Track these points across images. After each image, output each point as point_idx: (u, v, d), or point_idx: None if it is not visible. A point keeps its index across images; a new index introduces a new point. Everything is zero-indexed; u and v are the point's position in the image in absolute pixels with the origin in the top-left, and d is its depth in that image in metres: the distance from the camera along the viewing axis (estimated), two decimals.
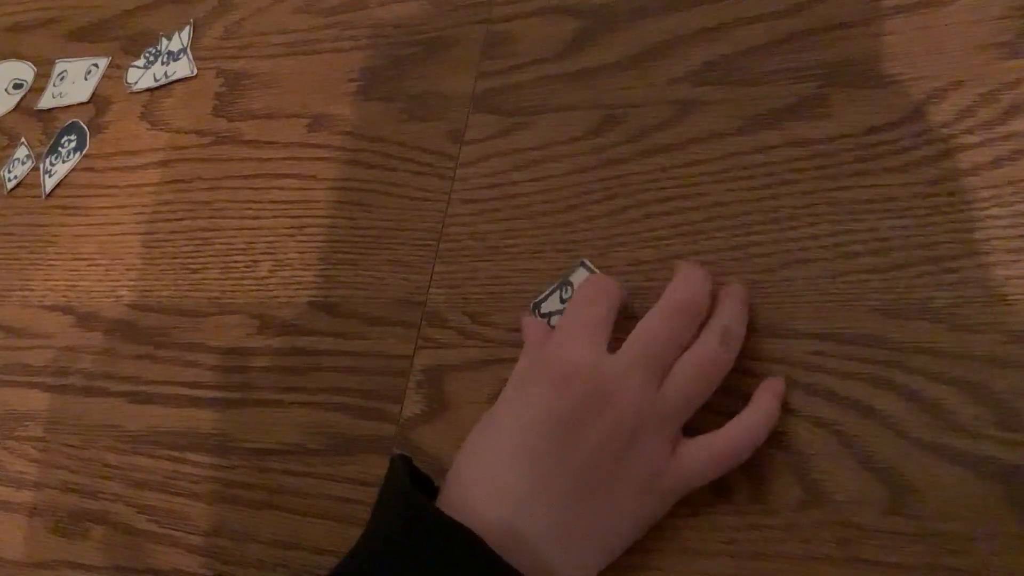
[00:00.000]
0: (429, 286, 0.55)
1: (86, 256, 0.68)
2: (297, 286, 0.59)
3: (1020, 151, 0.45)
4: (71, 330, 0.66)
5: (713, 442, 0.41)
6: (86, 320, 0.65)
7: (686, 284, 0.44)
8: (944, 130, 0.47)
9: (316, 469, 0.53)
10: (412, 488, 0.41)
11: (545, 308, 0.50)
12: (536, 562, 0.39)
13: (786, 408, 0.44)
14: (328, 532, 0.51)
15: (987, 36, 0.48)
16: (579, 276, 0.50)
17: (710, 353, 0.42)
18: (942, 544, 0.40)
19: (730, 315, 0.44)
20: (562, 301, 0.50)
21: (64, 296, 0.67)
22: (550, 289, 0.51)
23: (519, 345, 0.50)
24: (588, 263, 0.50)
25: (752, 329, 0.46)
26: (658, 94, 0.54)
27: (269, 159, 0.65)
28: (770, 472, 0.43)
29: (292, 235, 0.61)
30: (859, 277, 0.46)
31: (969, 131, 0.46)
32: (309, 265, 0.59)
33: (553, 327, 0.48)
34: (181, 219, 0.66)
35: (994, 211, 0.44)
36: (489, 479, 0.41)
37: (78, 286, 0.67)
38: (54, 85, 0.78)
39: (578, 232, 0.53)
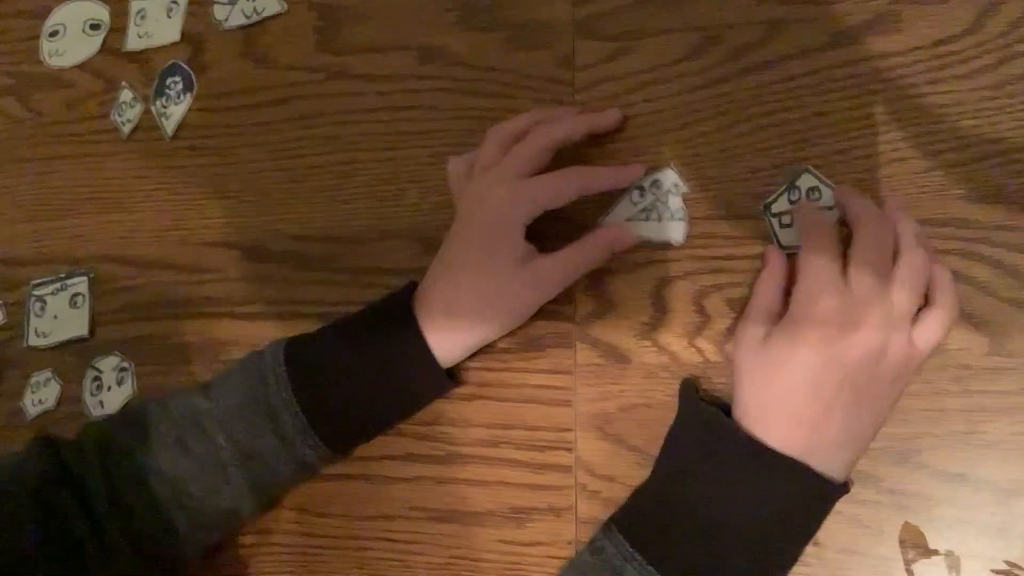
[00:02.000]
0: None
1: (232, 194, 0.77)
2: (450, 209, 0.69)
3: None
4: (242, 263, 0.75)
5: (932, 316, 0.54)
6: (253, 252, 0.75)
7: (869, 205, 0.56)
8: (1000, 40, 0.58)
9: (512, 364, 0.66)
10: (723, 417, 0.54)
11: (775, 208, 0.61)
12: (831, 467, 0.53)
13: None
14: (535, 412, 0.65)
15: None
16: (805, 181, 0.60)
17: (917, 258, 0.54)
18: None
19: (910, 223, 0.56)
20: (790, 202, 0.60)
21: (223, 232, 0.77)
22: (779, 191, 0.61)
23: (665, 248, 0.63)
24: (813, 169, 0.60)
25: None
26: (748, 14, 0.64)
27: (387, 92, 0.73)
28: None
29: (431, 163, 0.71)
30: (944, 171, 0.58)
31: (1021, 40, 0.58)
32: None
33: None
34: (318, 154, 0.75)
35: None
36: (780, 409, 0.52)
37: (234, 222, 0.76)
38: (135, 24, 0.82)
39: (697, 147, 0.64)
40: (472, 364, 0.66)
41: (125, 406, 0.74)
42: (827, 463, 0.52)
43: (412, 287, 0.63)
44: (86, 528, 0.58)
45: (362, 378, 0.61)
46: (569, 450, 0.63)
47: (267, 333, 0.71)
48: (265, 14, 0.78)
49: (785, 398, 0.52)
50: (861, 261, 0.53)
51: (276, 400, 0.60)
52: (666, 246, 0.63)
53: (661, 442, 0.58)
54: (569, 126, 0.62)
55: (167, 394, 0.64)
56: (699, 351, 0.61)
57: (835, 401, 0.51)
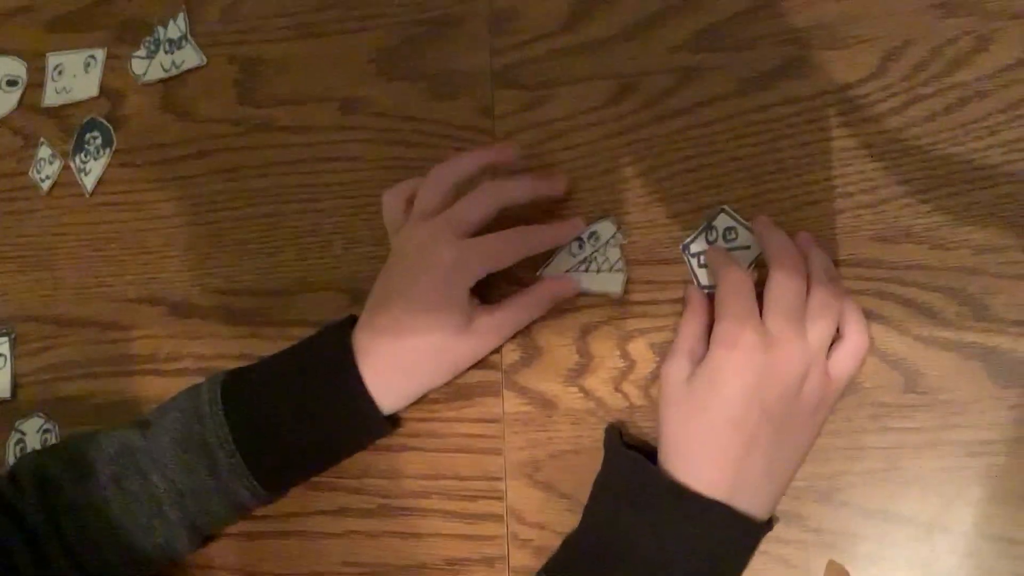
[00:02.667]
0: None
1: (155, 249, 0.76)
2: (376, 259, 0.69)
3: (965, 98, 0.59)
4: (168, 319, 0.75)
5: (845, 348, 0.56)
6: (179, 308, 0.75)
7: (785, 244, 0.57)
8: (904, 83, 0.60)
9: (441, 414, 0.66)
10: (647, 464, 0.55)
11: (694, 249, 0.62)
12: (755, 503, 0.54)
13: None
14: (466, 462, 0.65)
15: None
16: (722, 221, 0.61)
17: (828, 293, 0.55)
18: (947, 409, 0.57)
19: (820, 258, 0.57)
20: (708, 242, 0.61)
21: (147, 288, 0.76)
22: (697, 232, 0.62)
23: (587, 295, 0.63)
24: (729, 209, 0.62)
25: None
26: (662, 62, 0.65)
27: (310, 143, 0.73)
28: None
29: (356, 214, 0.71)
30: (855, 212, 0.60)
31: (923, 83, 0.60)
32: (381, 241, 0.69)
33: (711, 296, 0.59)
34: (240, 207, 0.74)
35: (952, 149, 0.59)
36: (703, 450, 0.53)
37: (159, 278, 0.76)
38: (53, 80, 0.82)
39: (618, 193, 0.65)
40: (402, 414, 0.66)
41: (61, 440, 0.73)
42: (751, 500, 0.53)
43: (351, 323, 0.62)
44: (27, 557, 0.59)
45: (301, 420, 0.61)
46: (500, 499, 0.63)
47: None
48: (184, 67, 0.77)
49: (708, 438, 0.53)
50: (775, 298, 0.54)
51: (212, 439, 0.60)
52: (605, 297, 0.63)
53: (590, 488, 0.58)
54: (519, 189, 0.62)
55: (102, 429, 0.64)
56: (625, 396, 0.62)
57: (757, 438, 0.53)
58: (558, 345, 0.64)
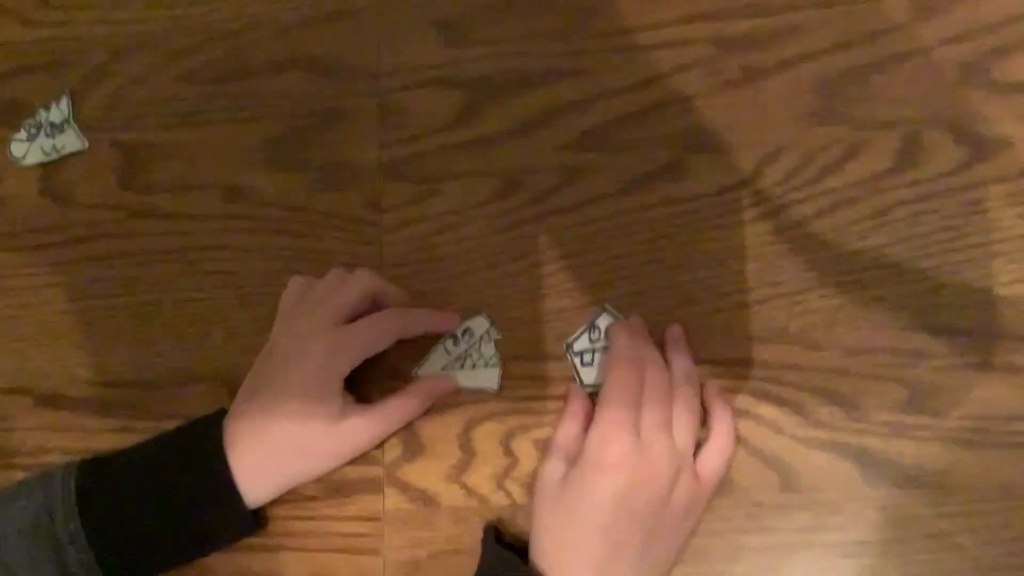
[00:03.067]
0: None
1: (25, 337, 0.73)
2: (257, 351, 0.68)
3: (837, 203, 0.61)
4: (35, 411, 0.71)
5: (713, 447, 0.57)
6: (49, 400, 0.71)
7: (648, 354, 0.58)
8: (777, 188, 0.62)
9: (318, 512, 0.65)
10: (519, 563, 0.54)
11: (577, 347, 0.62)
12: None
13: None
14: (344, 563, 0.64)
15: (800, 107, 0.63)
16: (604, 320, 0.62)
17: (688, 393, 0.57)
18: (821, 509, 0.57)
19: (679, 360, 0.58)
20: (591, 341, 0.62)
21: (15, 379, 0.73)
22: (580, 331, 0.62)
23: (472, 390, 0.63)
24: (610, 308, 0.62)
25: None
26: (548, 160, 0.66)
27: (192, 232, 0.72)
28: None
29: (237, 305, 0.70)
30: (732, 312, 0.61)
31: (796, 188, 0.62)
32: (263, 331, 0.67)
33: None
34: (118, 295, 0.72)
35: (823, 253, 0.61)
36: (571, 552, 0.53)
37: (27, 367, 0.73)
38: None
39: (502, 287, 0.65)
40: (278, 512, 0.64)
41: None
42: None
43: (221, 414, 0.61)
44: None
45: (160, 513, 0.59)
46: None
47: None
48: (65, 151, 0.75)
49: (576, 541, 0.53)
50: (644, 405, 0.55)
51: (62, 533, 0.57)
52: (481, 393, 0.63)
53: None
54: (418, 324, 0.63)
55: None
56: (507, 493, 0.61)
57: (626, 544, 0.53)
58: (441, 440, 0.63)
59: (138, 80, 0.75)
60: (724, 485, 0.58)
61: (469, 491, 0.62)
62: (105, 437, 0.69)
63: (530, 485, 0.61)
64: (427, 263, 0.66)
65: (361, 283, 0.61)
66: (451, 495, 0.62)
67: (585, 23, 0.67)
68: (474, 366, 0.63)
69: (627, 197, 0.64)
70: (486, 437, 0.63)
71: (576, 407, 0.59)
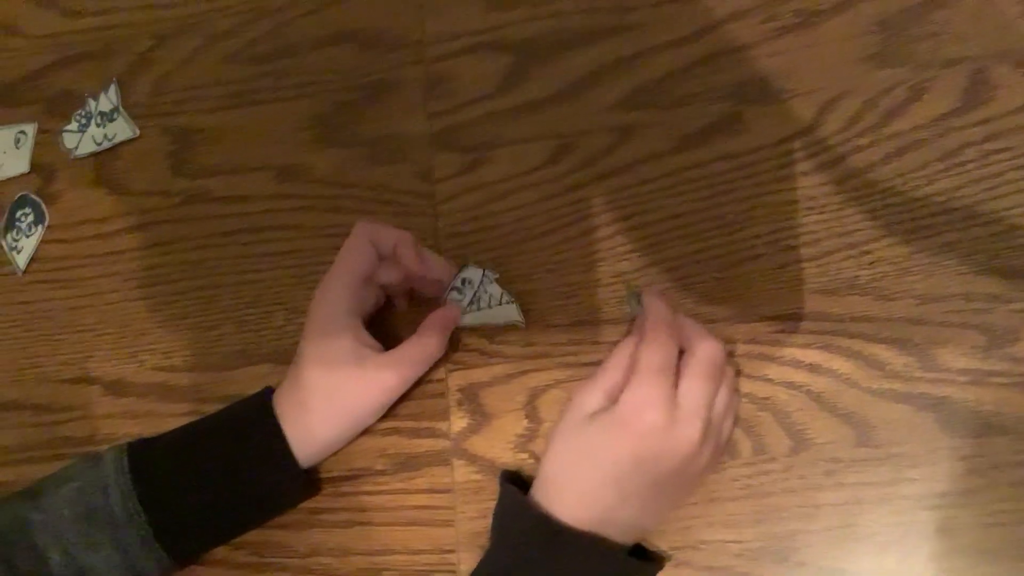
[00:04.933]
0: None
1: (90, 327, 0.74)
2: None
3: (903, 148, 0.59)
4: (103, 399, 0.72)
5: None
6: (115, 386, 0.72)
7: (698, 330, 0.56)
8: (839, 135, 0.60)
9: (389, 486, 0.65)
10: (517, 495, 0.55)
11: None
12: (621, 535, 0.54)
13: (765, 378, 0.59)
14: (416, 535, 0.64)
15: (859, 50, 0.60)
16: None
17: (733, 378, 0.57)
18: (900, 462, 0.56)
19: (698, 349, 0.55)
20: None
21: (81, 368, 0.73)
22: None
23: (535, 357, 0.63)
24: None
25: (722, 319, 0.60)
26: (599, 121, 0.65)
27: (247, 213, 0.72)
28: (765, 431, 0.58)
29: (296, 284, 0.69)
30: (798, 266, 0.59)
31: (860, 134, 0.60)
32: None
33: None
34: (177, 280, 0.72)
35: (891, 199, 0.58)
36: (576, 490, 0.54)
37: (94, 356, 0.73)
38: None
39: (561, 253, 0.64)
40: (348, 489, 0.65)
41: None
42: (616, 534, 0.54)
43: (269, 392, 0.62)
44: None
45: (214, 484, 0.60)
46: (453, 573, 0.62)
47: None
48: (117, 140, 0.76)
49: (586, 482, 0.54)
50: (693, 376, 0.54)
51: (119, 512, 0.58)
52: (514, 327, 0.63)
53: None
54: (387, 236, 0.62)
55: None
56: None
57: (635, 494, 0.53)
58: (506, 411, 0.63)
59: (184, 64, 0.76)
60: (799, 442, 0.57)
61: (538, 459, 0.61)
62: (174, 421, 0.69)
63: None
64: (482, 232, 0.66)
65: (353, 233, 0.61)
66: (520, 464, 0.62)
67: None
68: (489, 305, 0.63)
69: (682, 154, 0.63)
70: (551, 404, 0.62)
71: (632, 348, 0.57)
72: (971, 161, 0.57)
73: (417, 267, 0.60)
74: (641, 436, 0.52)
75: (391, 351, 0.61)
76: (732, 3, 0.63)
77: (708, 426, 0.53)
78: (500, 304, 0.63)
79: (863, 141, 0.59)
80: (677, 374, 0.54)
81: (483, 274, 0.63)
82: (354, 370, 0.59)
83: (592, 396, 0.55)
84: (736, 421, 0.58)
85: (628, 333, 0.59)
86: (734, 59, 0.62)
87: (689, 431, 0.52)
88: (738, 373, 0.59)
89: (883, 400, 0.56)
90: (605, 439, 0.53)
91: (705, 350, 0.54)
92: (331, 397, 0.60)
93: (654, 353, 0.53)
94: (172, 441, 0.62)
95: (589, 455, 0.54)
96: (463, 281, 0.63)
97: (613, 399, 0.54)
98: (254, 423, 0.60)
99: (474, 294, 0.63)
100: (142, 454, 0.60)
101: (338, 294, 0.60)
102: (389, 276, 0.61)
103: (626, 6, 0.65)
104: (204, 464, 0.60)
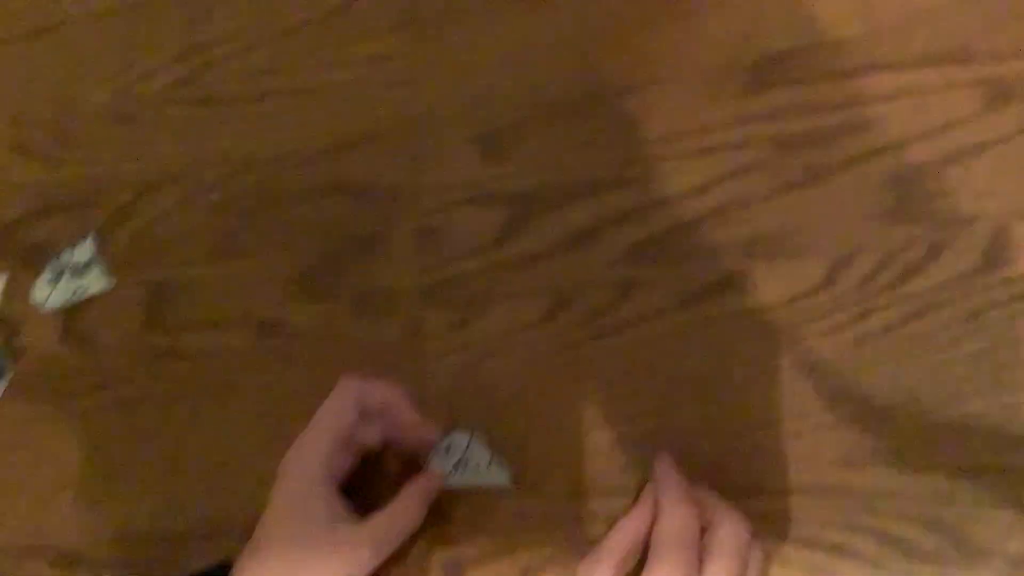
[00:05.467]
0: None
1: (42, 492, 0.68)
2: None
3: (923, 308, 0.55)
4: (52, 572, 0.66)
5: None
6: (65, 559, 0.66)
7: (684, 483, 0.52)
8: (854, 295, 0.56)
9: None
10: None
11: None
12: None
13: (784, 559, 0.53)
14: None
15: (872, 206, 0.57)
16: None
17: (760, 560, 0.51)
18: None
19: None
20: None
21: (30, 538, 0.68)
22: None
23: (528, 530, 0.57)
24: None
25: (734, 491, 0.55)
26: (599, 276, 0.61)
27: (223, 370, 0.67)
28: None
29: (270, 448, 0.64)
30: (815, 434, 0.55)
31: (875, 294, 0.56)
32: None
33: None
34: (142, 442, 0.67)
35: (911, 363, 0.54)
36: None
37: (45, 526, 0.67)
38: None
39: (557, 417, 0.59)
40: None
41: None
42: None
43: (224, 569, 0.55)
44: None
45: None
46: None
47: None
48: (90, 292, 0.72)
49: None
50: (719, 555, 0.48)
51: None
52: (503, 490, 0.58)
53: None
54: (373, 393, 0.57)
55: None
56: None
57: None
58: None
59: (165, 217, 0.72)
60: None
61: None
62: None
63: None
64: (474, 392, 0.61)
65: (337, 390, 0.57)
66: None
67: (631, 130, 0.63)
68: (477, 468, 0.58)
69: (687, 311, 0.59)
70: None
71: (648, 512, 0.52)
72: (996, 322, 0.54)
73: (410, 430, 0.55)
74: None
75: (365, 522, 0.55)
76: (737, 158, 0.60)
77: None
78: (488, 467, 0.57)
79: (880, 301, 0.56)
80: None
81: (471, 436, 0.58)
82: (324, 545, 0.53)
83: (604, 572, 0.49)
84: None
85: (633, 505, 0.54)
86: (740, 214, 0.60)
87: None
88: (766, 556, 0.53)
89: None
90: None
91: (730, 526, 0.49)
92: (296, 573, 0.53)
93: (676, 527, 0.48)
94: None
95: None
96: (448, 446, 0.58)
97: (627, 569, 0.49)
98: None
99: (460, 458, 0.58)
100: None
101: (313, 458, 0.55)
102: (372, 438, 0.56)
103: (626, 158, 0.63)
104: None
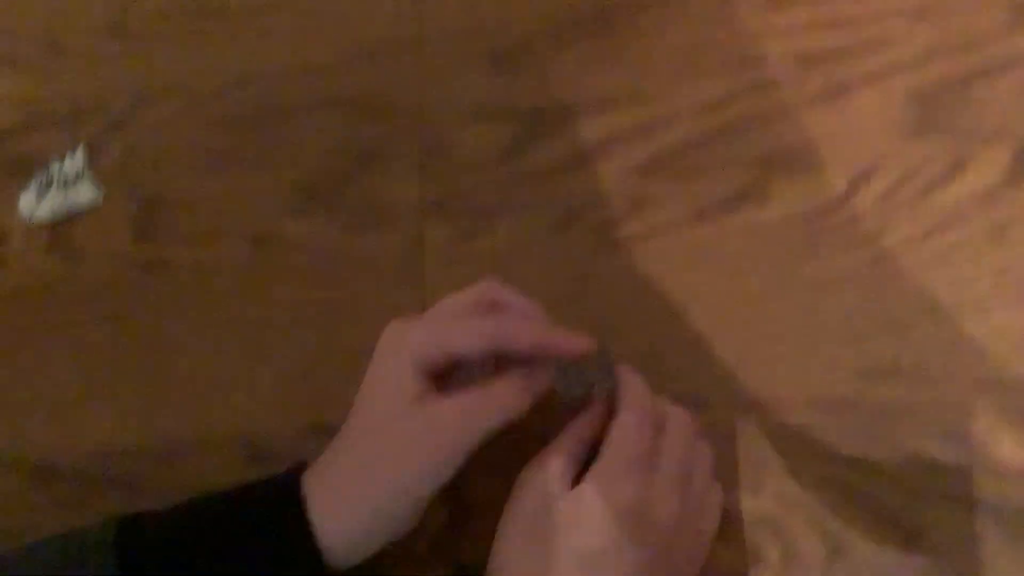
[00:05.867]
0: None
1: (19, 405, 0.65)
2: (281, 413, 0.60)
3: (943, 223, 0.53)
4: (26, 486, 0.64)
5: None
6: (40, 473, 0.64)
7: (645, 389, 0.51)
8: (875, 208, 0.55)
9: None
10: None
11: None
12: None
13: (798, 472, 0.51)
14: None
15: (893, 121, 0.56)
16: None
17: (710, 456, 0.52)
18: None
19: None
20: None
21: (2, 451, 0.65)
22: None
23: None
24: None
25: (747, 403, 0.53)
26: (611, 189, 0.59)
27: (214, 284, 0.65)
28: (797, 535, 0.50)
29: (260, 362, 0.62)
30: (833, 347, 0.53)
31: (897, 208, 0.54)
32: (289, 390, 0.60)
33: None
34: (127, 356, 0.65)
35: (931, 276, 0.53)
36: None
37: (18, 439, 0.65)
38: None
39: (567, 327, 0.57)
40: None
41: None
42: None
43: (298, 471, 0.50)
44: None
45: (218, 563, 0.48)
46: None
47: None
48: (79, 205, 0.69)
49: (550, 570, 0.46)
50: (664, 455, 0.49)
51: None
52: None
53: None
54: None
55: None
56: None
57: None
58: None
59: (160, 125, 0.70)
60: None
61: None
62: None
63: None
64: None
65: (472, 288, 0.53)
66: None
67: (645, 47, 0.61)
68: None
69: (703, 225, 0.57)
70: None
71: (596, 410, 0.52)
72: (1020, 237, 0.52)
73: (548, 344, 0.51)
74: (617, 514, 0.45)
75: (459, 397, 0.49)
76: (755, 73, 0.59)
77: (688, 500, 0.47)
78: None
79: (901, 215, 0.54)
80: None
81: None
82: (413, 418, 0.48)
83: (555, 461, 0.48)
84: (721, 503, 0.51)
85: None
86: (758, 129, 0.58)
87: (663, 513, 0.47)
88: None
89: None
90: (571, 527, 0.46)
91: (677, 423, 0.50)
92: (384, 456, 0.49)
93: (633, 421, 0.48)
94: (173, 521, 0.50)
95: (555, 536, 0.46)
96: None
97: (577, 471, 0.48)
98: (274, 514, 0.49)
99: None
100: (134, 533, 0.49)
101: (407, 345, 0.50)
102: (478, 344, 0.50)
103: (641, 72, 0.61)
104: (205, 556, 0.48)
